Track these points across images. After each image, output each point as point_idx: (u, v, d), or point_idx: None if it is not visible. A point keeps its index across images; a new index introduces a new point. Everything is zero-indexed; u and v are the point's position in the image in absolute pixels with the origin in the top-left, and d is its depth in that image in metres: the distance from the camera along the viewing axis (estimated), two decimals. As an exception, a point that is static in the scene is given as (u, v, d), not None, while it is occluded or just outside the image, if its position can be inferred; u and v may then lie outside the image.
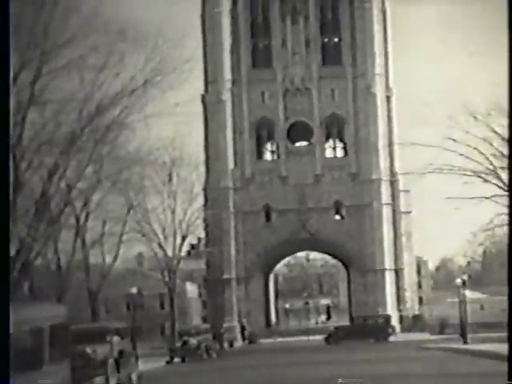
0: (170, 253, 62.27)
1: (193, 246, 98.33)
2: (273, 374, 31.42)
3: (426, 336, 63.00)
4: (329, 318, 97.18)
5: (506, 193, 42.41)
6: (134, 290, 53.50)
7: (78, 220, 44.11)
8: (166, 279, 62.79)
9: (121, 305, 66.37)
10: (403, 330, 74.76)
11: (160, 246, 61.54)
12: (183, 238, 63.42)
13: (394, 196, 78.05)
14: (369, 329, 59.02)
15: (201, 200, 70.00)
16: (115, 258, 53.90)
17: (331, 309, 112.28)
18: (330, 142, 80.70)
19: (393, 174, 77.58)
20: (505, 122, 42.46)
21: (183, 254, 70.82)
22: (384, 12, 78.77)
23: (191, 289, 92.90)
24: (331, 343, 57.11)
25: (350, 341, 55.65)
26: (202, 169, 72.53)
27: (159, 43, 34.81)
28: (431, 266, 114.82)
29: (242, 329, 71.89)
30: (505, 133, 42.58)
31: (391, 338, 63.30)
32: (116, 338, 29.48)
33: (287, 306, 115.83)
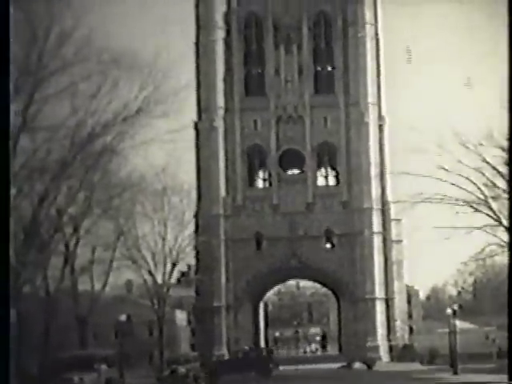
0: (159, 280, 61.99)
1: (183, 274, 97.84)
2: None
3: (415, 366, 62.56)
4: (324, 347, 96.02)
5: (497, 222, 42.52)
6: (123, 318, 53.16)
7: (67, 246, 43.86)
8: (156, 307, 62.40)
9: (109, 332, 65.78)
10: (393, 359, 74.33)
11: (150, 273, 61.23)
12: (173, 265, 63.17)
13: (385, 225, 77.85)
14: (250, 362, 56.85)
15: (192, 227, 69.91)
16: (104, 285, 53.62)
17: (323, 337, 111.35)
18: (322, 170, 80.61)
19: (384, 202, 77.49)
20: (496, 152, 42.75)
21: (173, 281, 70.45)
22: (377, 41, 79.19)
23: (180, 316, 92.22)
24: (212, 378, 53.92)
25: (230, 375, 53.04)
26: (194, 196, 72.60)
27: (153, 71, 34.84)
28: (422, 295, 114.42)
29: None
30: (496, 162, 42.78)
31: (377, 367, 62.71)
32: (104, 367, 29.18)
33: (277, 334, 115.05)
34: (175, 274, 73.00)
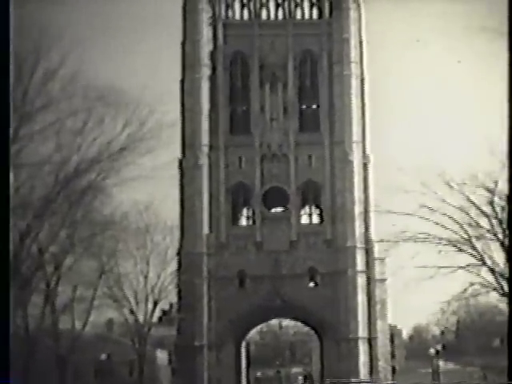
0: (141, 319, 61.35)
1: (164, 312, 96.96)
2: None
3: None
4: None
5: (480, 262, 42.51)
6: (104, 357, 52.58)
7: (48, 284, 43.32)
8: (136, 346, 61.67)
9: (89, 372, 64.85)
10: (376, 401, 73.70)
11: (131, 311, 60.60)
12: (155, 304, 62.64)
13: (369, 264, 77.70)
14: None
15: (174, 265, 69.45)
16: (85, 324, 52.96)
17: (306, 378, 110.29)
18: (306, 208, 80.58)
19: (368, 241, 77.43)
20: (480, 191, 42.91)
21: (154, 319, 69.74)
22: (362, 80, 79.83)
23: (161, 356, 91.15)
24: None
25: None
26: (177, 233, 72.21)
27: (138, 108, 34.82)
28: (405, 334, 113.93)
29: None
30: (480, 202, 42.90)
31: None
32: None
33: (258, 374, 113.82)
34: (157, 313, 72.37)
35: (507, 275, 41.11)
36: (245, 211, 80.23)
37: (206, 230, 76.79)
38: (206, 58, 78.46)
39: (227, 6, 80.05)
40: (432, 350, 55.11)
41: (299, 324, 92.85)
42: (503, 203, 41.65)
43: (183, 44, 78.95)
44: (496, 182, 41.44)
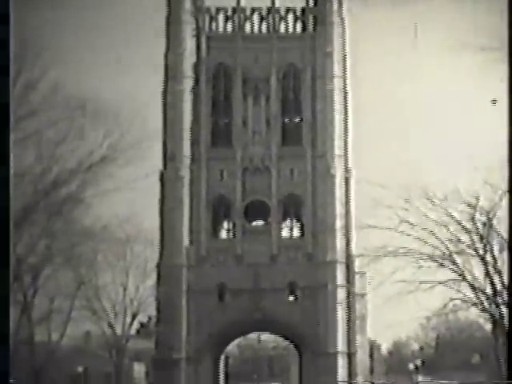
0: (119, 331, 60.81)
1: (142, 325, 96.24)
2: None
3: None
4: None
5: (461, 277, 42.54)
6: (80, 369, 52.01)
7: (25, 296, 42.76)
8: (114, 358, 61.07)
9: (66, 384, 64.12)
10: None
11: (109, 324, 60.04)
12: (133, 316, 62.06)
13: (350, 278, 77.56)
14: None
15: (154, 277, 68.94)
16: (62, 336, 52.41)
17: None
18: (287, 221, 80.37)
19: (348, 255, 77.33)
20: (461, 207, 42.99)
21: (132, 332, 69.16)
22: (345, 94, 79.96)
23: (138, 368, 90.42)
24: None
25: None
26: (157, 245, 71.75)
27: (119, 120, 34.54)
28: (384, 349, 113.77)
29: None
30: (461, 218, 42.99)
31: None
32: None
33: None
34: (135, 326, 71.76)
35: (487, 290, 41.21)
36: (225, 224, 79.85)
37: (186, 242, 76.31)
38: (188, 70, 78.20)
39: (211, 19, 79.94)
40: (411, 366, 54.81)
41: (278, 338, 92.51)
42: (484, 219, 41.80)
43: (166, 55, 78.71)
44: (477, 198, 41.61)
